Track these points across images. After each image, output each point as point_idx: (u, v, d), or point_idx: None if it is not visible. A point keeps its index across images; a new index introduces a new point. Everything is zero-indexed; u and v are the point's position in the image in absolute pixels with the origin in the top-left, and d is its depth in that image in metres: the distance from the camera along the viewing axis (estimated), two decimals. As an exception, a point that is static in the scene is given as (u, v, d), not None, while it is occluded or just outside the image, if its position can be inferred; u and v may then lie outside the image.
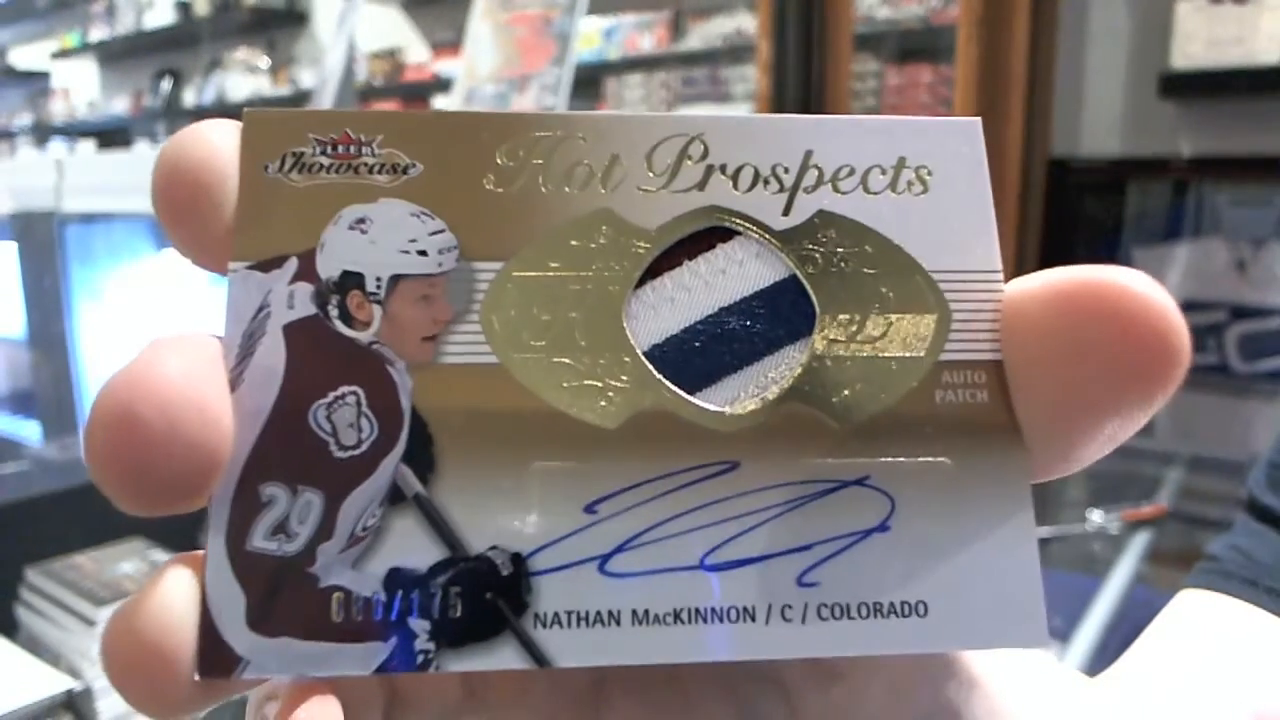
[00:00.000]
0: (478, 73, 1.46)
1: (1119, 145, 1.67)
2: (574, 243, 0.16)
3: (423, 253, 0.15)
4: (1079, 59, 1.68)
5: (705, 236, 0.16)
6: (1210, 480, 1.18)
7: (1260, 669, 0.31)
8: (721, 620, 0.14)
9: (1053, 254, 1.64)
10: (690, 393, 0.15)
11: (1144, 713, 0.30)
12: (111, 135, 4.35)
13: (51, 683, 0.74)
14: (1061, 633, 0.79)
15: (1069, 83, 1.67)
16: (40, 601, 0.87)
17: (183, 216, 0.15)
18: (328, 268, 0.15)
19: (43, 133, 4.85)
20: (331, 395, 0.15)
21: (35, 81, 5.18)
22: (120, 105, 4.65)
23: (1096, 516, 1.01)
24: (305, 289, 0.15)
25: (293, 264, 0.15)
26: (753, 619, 0.15)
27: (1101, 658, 0.76)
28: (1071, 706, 0.18)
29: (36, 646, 0.84)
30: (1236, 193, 1.57)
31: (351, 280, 0.15)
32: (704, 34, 2.50)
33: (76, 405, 1.38)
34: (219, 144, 0.15)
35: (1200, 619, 0.34)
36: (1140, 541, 0.97)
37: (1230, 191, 1.58)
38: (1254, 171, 1.53)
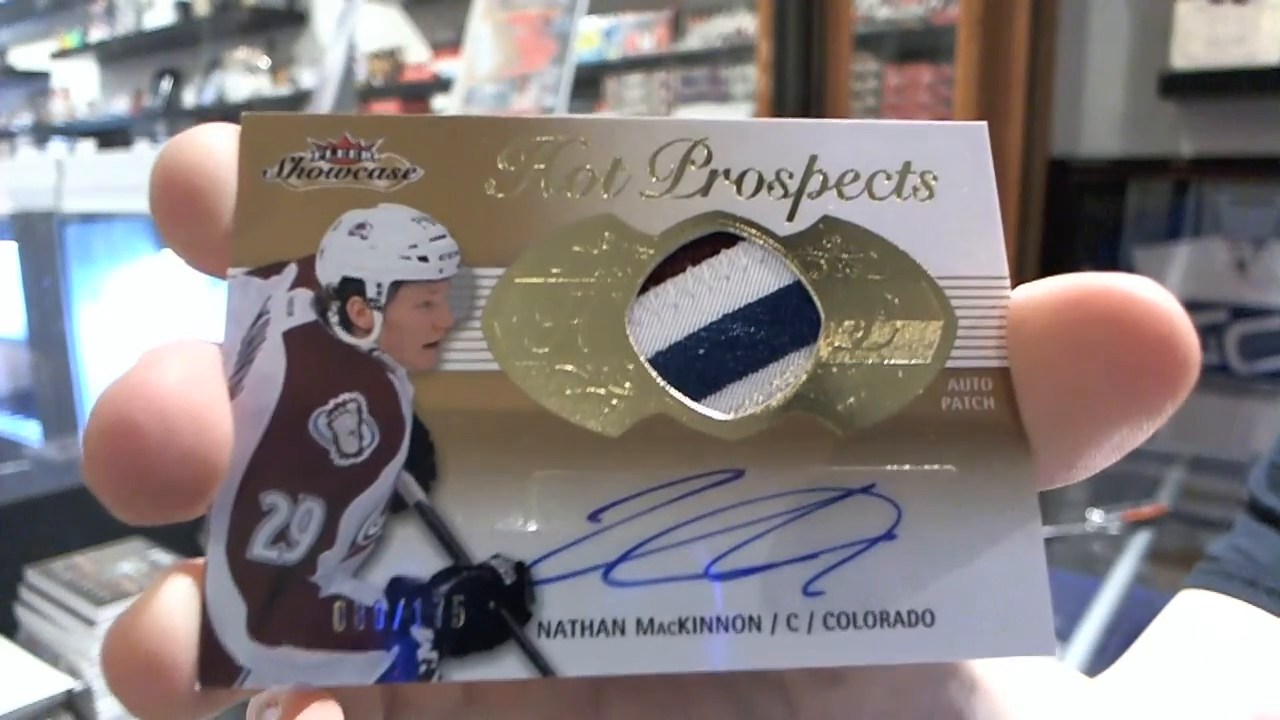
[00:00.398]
0: (478, 73, 1.46)
1: (1119, 145, 1.67)
2: (576, 248, 0.15)
3: (424, 258, 0.15)
4: (1079, 59, 1.68)
5: (709, 242, 0.16)
6: (1210, 480, 1.18)
7: (1260, 669, 0.31)
8: (726, 629, 0.14)
9: (1053, 254, 1.64)
10: (694, 400, 0.15)
11: (1144, 713, 0.30)
12: (111, 135, 4.34)
13: (51, 683, 0.74)
14: (1061, 633, 0.79)
15: (1069, 83, 1.67)
16: (40, 601, 0.87)
17: (179, 221, 0.15)
18: (328, 274, 0.15)
19: (43, 133, 4.84)
20: (332, 402, 0.14)
21: (35, 81, 5.18)
22: (120, 105, 4.65)
23: (1096, 516, 1.01)
24: (305, 295, 0.15)
25: (292, 270, 0.15)
26: (758, 628, 0.14)
27: (1101, 658, 0.76)
28: (1072, 707, 0.18)
29: (36, 646, 0.84)
30: (1236, 193, 1.57)
31: (352, 286, 0.15)
32: (704, 34, 2.49)
33: (76, 405, 1.38)
34: (216, 148, 0.15)
35: (1200, 619, 0.34)
36: (1140, 541, 0.97)
37: (1230, 191, 1.58)
38: (1254, 171, 1.53)
